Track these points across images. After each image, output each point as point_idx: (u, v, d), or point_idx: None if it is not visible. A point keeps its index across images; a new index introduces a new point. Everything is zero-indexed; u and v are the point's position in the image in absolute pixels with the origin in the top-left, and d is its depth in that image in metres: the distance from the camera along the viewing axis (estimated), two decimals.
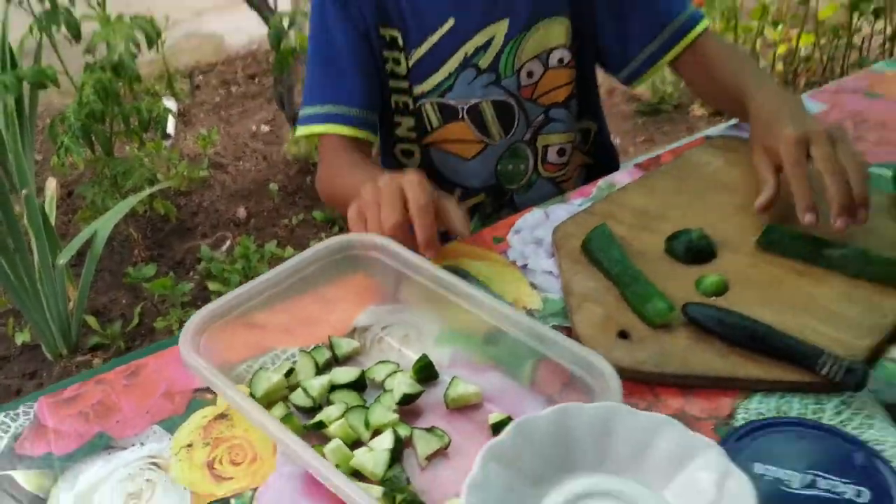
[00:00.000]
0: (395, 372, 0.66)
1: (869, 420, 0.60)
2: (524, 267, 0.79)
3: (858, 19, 2.65)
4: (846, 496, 0.47)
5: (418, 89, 1.04)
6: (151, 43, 2.20)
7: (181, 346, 0.60)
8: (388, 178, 0.76)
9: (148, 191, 2.23)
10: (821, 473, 0.49)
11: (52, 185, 2.26)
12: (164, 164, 2.65)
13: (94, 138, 2.19)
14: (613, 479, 0.45)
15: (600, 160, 1.18)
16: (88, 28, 2.21)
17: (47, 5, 2.16)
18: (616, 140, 2.69)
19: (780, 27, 2.78)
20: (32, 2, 2.20)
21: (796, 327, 0.67)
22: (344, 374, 0.66)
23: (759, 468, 0.49)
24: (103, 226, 1.98)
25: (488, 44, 1.01)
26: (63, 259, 1.85)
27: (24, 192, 1.82)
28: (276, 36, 2.39)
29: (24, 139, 2.02)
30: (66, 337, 1.95)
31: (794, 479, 0.48)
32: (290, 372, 0.66)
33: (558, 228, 0.82)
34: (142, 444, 0.63)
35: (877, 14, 2.59)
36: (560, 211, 0.88)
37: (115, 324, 2.02)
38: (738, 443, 0.53)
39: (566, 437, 0.45)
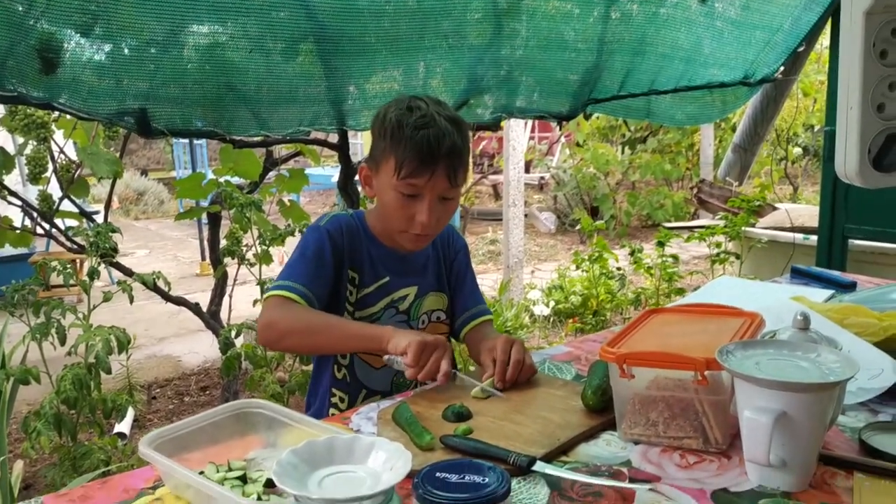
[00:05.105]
0: (263, 473, 1.11)
1: (535, 486, 1.07)
2: (357, 431, 1.28)
3: None
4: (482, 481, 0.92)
5: (358, 314, 1.62)
6: (123, 348, 2.74)
7: (140, 446, 1.06)
8: (441, 339, 1.41)
9: (101, 471, 2.61)
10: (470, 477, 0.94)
11: (18, 466, 2.64)
12: (119, 454, 3.04)
13: (62, 426, 2.62)
14: (350, 466, 0.90)
15: None
16: (71, 336, 2.76)
17: (42, 318, 2.74)
18: None
19: None
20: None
21: (504, 444, 1.15)
22: (236, 472, 1.11)
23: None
24: None
25: (405, 297, 1.65)
26: None
27: None
28: (226, 343, 2.96)
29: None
30: None
31: (453, 477, 0.94)
32: (200, 473, 1.10)
33: (381, 410, 1.32)
34: None
35: None
36: (387, 402, 1.38)
37: None
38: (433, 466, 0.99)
39: (332, 447, 0.92)
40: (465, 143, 1.54)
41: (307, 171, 4.37)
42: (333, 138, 2.94)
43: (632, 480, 1.09)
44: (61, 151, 3.07)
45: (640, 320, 1.36)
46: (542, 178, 10.41)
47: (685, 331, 1.30)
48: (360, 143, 9.21)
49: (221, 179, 3.27)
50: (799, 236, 3.89)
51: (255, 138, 2.54)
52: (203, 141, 9.33)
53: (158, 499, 1.09)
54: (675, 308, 1.42)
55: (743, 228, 4.07)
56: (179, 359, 4.60)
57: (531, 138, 9.94)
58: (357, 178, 2.30)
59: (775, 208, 4.54)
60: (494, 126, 2.95)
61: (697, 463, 1.13)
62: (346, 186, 2.88)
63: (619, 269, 4.41)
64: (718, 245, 4.15)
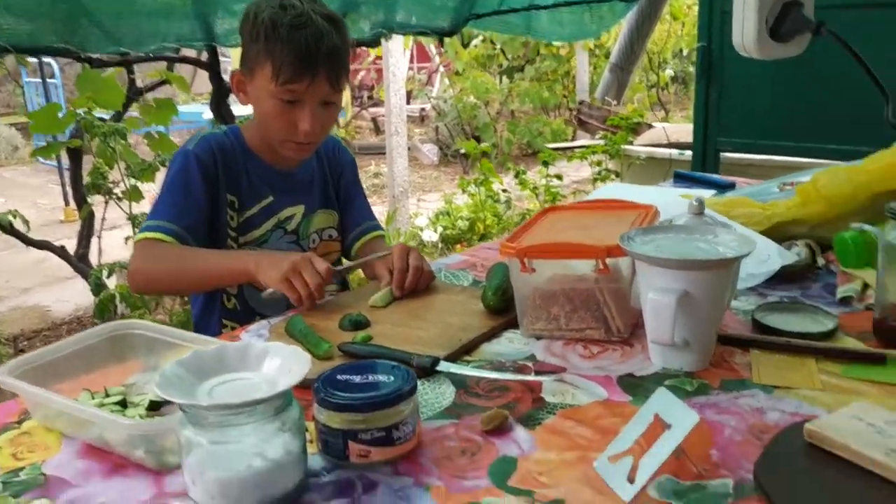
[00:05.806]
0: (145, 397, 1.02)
1: (440, 386, 1.03)
2: None
3: None
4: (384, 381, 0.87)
5: (242, 239, 1.53)
6: None
7: (0, 376, 0.94)
8: (302, 257, 1.29)
9: None
10: (374, 377, 0.89)
11: None
12: None
13: None
14: (243, 373, 0.83)
15: None
16: None
17: None
18: None
19: None
20: None
21: (408, 348, 1.10)
22: (115, 397, 1.01)
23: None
24: None
25: (292, 217, 1.56)
26: None
27: None
28: (97, 284, 2.77)
29: None
30: None
31: (356, 378, 0.89)
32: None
33: (273, 325, 1.25)
34: None
35: None
36: (278, 318, 1.31)
37: None
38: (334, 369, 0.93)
39: (222, 356, 0.84)
40: (344, 43, 1.44)
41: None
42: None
43: (537, 373, 1.07)
44: None
45: (536, 218, 1.33)
46: (422, 109, 10.30)
47: (582, 224, 1.28)
48: (228, 63, 8.74)
49: (80, 111, 3.02)
50: (675, 152, 4.01)
51: (115, 57, 2.34)
52: (58, 79, 8.63)
53: (26, 433, 0.98)
54: (571, 205, 1.40)
55: (622, 146, 4.16)
56: (48, 308, 4.31)
57: (410, 68, 9.77)
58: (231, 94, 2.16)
59: (651, 126, 4.66)
60: (374, 42, 2.83)
61: (601, 353, 1.12)
62: (219, 108, 2.71)
63: (504, 191, 4.43)
64: (599, 163, 4.23)
